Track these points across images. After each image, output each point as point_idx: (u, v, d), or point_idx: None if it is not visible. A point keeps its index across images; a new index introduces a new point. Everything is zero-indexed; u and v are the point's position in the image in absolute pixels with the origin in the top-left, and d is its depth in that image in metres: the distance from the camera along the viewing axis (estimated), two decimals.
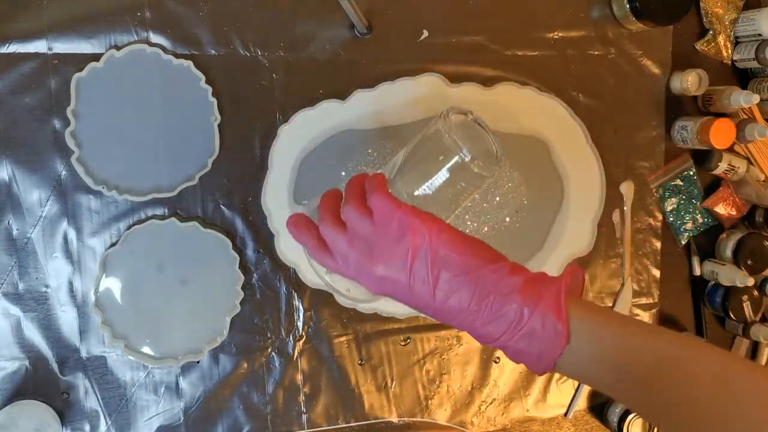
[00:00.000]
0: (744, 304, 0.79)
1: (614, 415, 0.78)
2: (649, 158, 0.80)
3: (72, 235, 0.66)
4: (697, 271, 0.82)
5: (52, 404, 0.67)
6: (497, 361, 0.77)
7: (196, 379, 0.70)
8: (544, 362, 0.44)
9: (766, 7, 0.78)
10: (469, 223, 0.73)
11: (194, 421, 0.70)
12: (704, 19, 0.78)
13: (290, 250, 0.70)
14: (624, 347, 0.43)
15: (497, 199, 0.74)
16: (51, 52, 0.64)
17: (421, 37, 0.72)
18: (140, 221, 0.67)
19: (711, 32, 0.79)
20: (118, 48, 0.65)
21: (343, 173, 0.71)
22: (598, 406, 0.80)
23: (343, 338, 0.73)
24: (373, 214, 0.47)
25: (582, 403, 0.80)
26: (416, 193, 0.55)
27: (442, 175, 0.55)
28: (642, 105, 0.79)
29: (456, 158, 0.54)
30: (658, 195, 0.80)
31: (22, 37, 0.64)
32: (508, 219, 0.74)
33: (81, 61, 0.65)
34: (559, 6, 0.75)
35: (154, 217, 0.68)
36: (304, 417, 0.73)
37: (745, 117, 0.79)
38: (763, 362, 0.83)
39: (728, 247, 0.80)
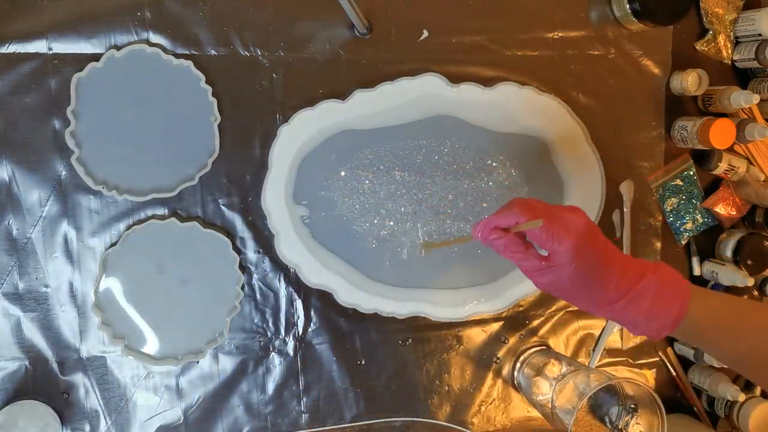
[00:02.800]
0: None
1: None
2: (649, 158, 0.80)
3: (72, 235, 0.66)
4: (697, 271, 0.82)
5: (52, 404, 0.67)
6: (497, 361, 0.77)
7: (196, 379, 0.70)
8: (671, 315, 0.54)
9: (766, 7, 0.78)
10: (470, 219, 0.73)
11: (194, 421, 0.70)
12: (704, 19, 0.78)
13: (290, 250, 0.70)
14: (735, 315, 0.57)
15: (499, 198, 0.74)
16: (51, 52, 0.64)
17: (421, 37, 0.72)
18: (140, 221, 0.68)
19: (711, 32, 0.79)
20: (118, 48, 0.65)
21: (343, 173, 0.71)
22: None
23: (343, 338, 0.73)
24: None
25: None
26: None
27: None
28: (642, 105, 0.79)
29: None
30: (658, 195, 0.80)
31: (22, 37, 0.64)
32: None
33: (81, 61, 0.65)
34: (559, 6, 0.75)
35: (154, 217, 0.68)
36: (304, 417, 0.73)
37: (745, 117, 0.79)
38: None
39: (728, 247, 0.80)
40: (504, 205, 0.58)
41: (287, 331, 0.72)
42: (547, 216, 0.55)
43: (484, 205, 0.73)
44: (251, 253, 0.71)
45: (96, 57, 0.65)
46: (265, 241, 0.71)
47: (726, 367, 0.76)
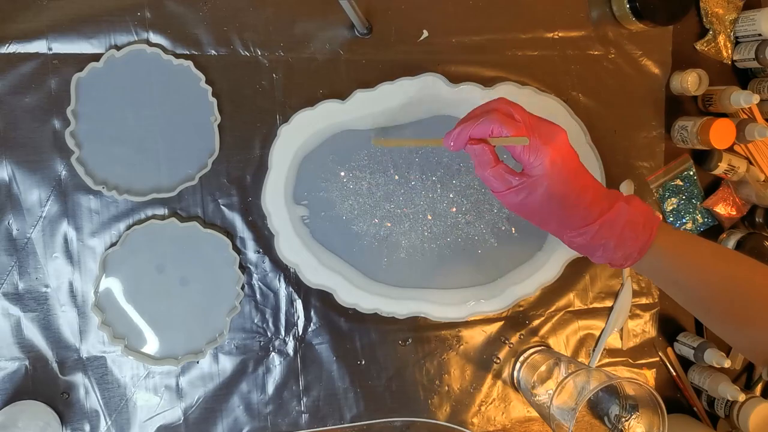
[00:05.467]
0: None
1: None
2: (649, 158, 0.80)
3: (72, 235, 0.66)
4: None
5: (52, 404, 0.67)
6: (497, 361, 0.77)
7: (196, 379, 0.70)
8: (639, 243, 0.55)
9: (766, 7, 0.78)
10: (470, 219, 0.73)
11: (194, 421, 0.70)
12: (704, 19, 0.79)
13: (290, 250, 0.70)
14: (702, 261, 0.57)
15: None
16: (51, 52, 0.64)
17: (421, 37, 0.72)
18: (140, 221, 0.68)
19: (711, 32, 0.79)
20: (118, 48, 0.65)
21: (342, 173, 0.71)
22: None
23: (344, 338, 0.73)
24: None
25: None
26: None
27: None
28: (642, 105, 0.79)
29: None
30: (658, 195, 0.80)
31: (22, 37, 0.64)
32: (508, 219, 0.74)
33: (81, 61, 0.65)
34: (559, 6, 0.75)
35: (154, 217, 0.68)
36: (304, 417, 0.73)
37: (745, 117, 0.79)
38: None
39: (728, 247, 0.80)
40: (481, 108, 0.55)
41: (287, 331, 0.72)
42: (528, 128, 0.53)
43: (487, 205, 0.73)
44: (251, 253, 0.71)
45: (96, 57, 0.65)
46: (265, 241, 0.71)
47: (726, 366, 0.76)
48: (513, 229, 0.74)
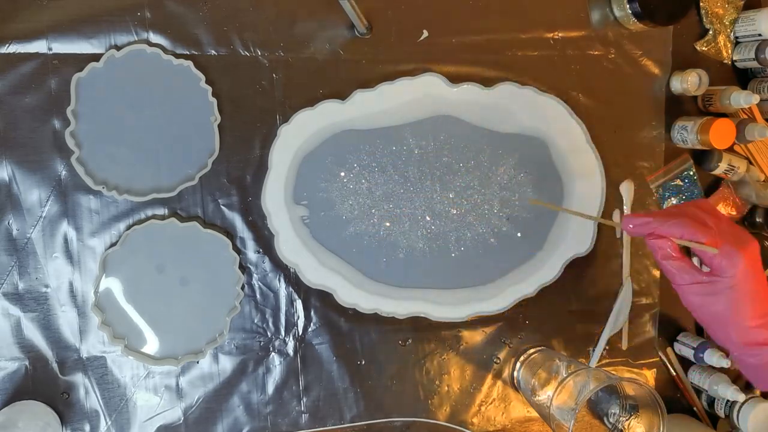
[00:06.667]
0: None
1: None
2: (649, 158, 0.80)
3: (72, 235, 0.66)
4: None
5: (52, 404, 0.67)
6: (497, 361, 0.77)
7: (196, 379, 0.70)
8: None
9: (766, 7, 0.78)
10: (470, 219, 0.73)
11: (194, 421, 0.70)
12: (704, 19, 0.78)
13: (290, 250, 0.70)
14: None
15: (500, 199, 0.74)
16: (51, 52, 0.64)
17: (421, 37, 0.72)
18: (140, 221, 0.68)
19: (711, 32, 0.79)
20: (118, 48, 0.65)
21: (343, 173, 0.71)
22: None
23: (344, 338, 0.73)
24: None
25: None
26: None
27: None
28: (642, 105, 0.79)
29: None
30: (658, 195, 0.80)
31: (22, 37, 0.64)
32: (508, 219, 0.74)
33: (81, 61, 0.65)
34: (559, 6, 0.75)
35: (154, 217, 0.68)
36: (304, 417, 0.73)
37: (745, 117, 0.79)
38: None
39: None
40: (671, 211, 0.55)
41: (287, 331, 0.72)
42: (720, 234, 0.53)
43: (486, 206, 0.73)
44: (251, 253, 0.71)
45: (96, 57, 0.65)
46: (265, 241, 0.71)
47: (726, 367, 0.76)
48: (513, 229, 0.74)
